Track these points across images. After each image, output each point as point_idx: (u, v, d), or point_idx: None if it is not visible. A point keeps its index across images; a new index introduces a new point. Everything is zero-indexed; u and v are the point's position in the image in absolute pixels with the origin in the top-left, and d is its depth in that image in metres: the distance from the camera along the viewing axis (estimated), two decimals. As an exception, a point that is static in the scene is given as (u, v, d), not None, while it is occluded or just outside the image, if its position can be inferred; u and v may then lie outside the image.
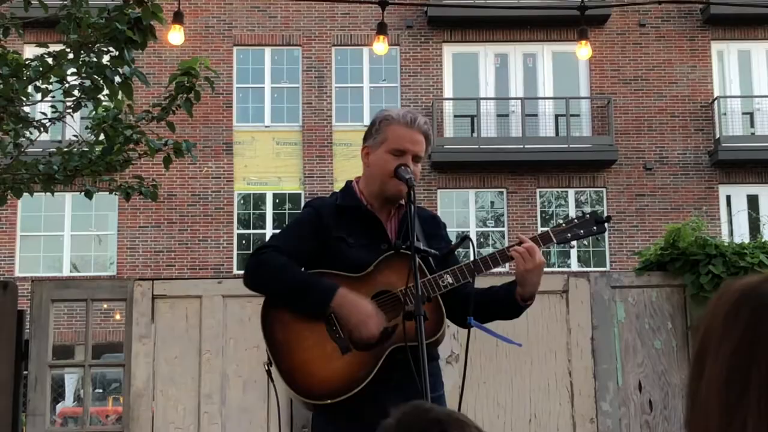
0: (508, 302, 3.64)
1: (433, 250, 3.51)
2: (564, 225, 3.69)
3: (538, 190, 23.12)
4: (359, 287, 3.49)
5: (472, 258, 3.58)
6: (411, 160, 3.62)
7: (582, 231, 3.67)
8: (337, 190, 3.85)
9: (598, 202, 23.08)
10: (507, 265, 3.69)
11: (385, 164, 3.61)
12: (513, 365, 6.96)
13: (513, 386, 6.92)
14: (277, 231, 3.83)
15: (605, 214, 3.88)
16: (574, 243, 3.68)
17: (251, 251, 3.73)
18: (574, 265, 23.02)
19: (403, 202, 3.68)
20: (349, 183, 3.82)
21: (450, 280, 3.50)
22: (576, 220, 3.70)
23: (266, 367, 3.52)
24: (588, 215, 3.73)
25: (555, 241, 3.64)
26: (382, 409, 3.47)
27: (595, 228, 3.68)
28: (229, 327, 7.04)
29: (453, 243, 3.70)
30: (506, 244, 22.38)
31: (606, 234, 21.99)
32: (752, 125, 23.61)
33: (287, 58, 23.69)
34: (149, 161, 9.41)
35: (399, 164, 3.56)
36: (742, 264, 7.31)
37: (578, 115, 23.59)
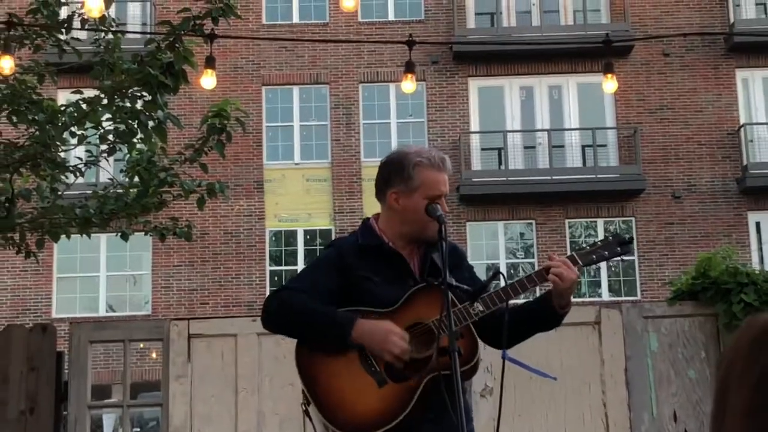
0: (546, 314, 3.61)
1: (465, 286, 3.47)
2: (588, 248, 3.64)
3: (566, 221, 22.96)
4: (391, 320, 3.46)
5: None
6: (443, 200, 3.65)
7: (606, 252, 3.63)
8: (356, 230, 3.79)
9: (627, 231, 22.79)
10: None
11: (422, 209, 3.57)
12: (547, 398, 6.91)
13: (548, 419, 6.88)
14: (299, 272, 3.77)
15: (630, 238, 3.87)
16: (601, 265, 3.62)
17: (273, 291, 3.68)
18: (605, 295, 22.76)
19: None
20: (366, 221, 3.78)
21: (481, 308, 3.47)
22: (599, 243, 3.66)
23: (303, 407, 3.49)
24: (611, 237, 3.69)
25: (580, 263, 3.58)
26: None
27: (618, 249, 3.64)
28: (264, 365, 7.05)
29: (483, 279, 3.61)
30: (536, 275, 21.95)
31: (636, 263, 22.26)
32: (780, 151, 24.30)
33: (315, 96, 23.62)
34: (183, 202, 9.42)
35: (428, 203, 3.54)
36: (774, 292, 7.35)
37: (605, 145, 23.44)
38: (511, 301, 3.52)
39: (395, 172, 3.63)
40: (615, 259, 3.65)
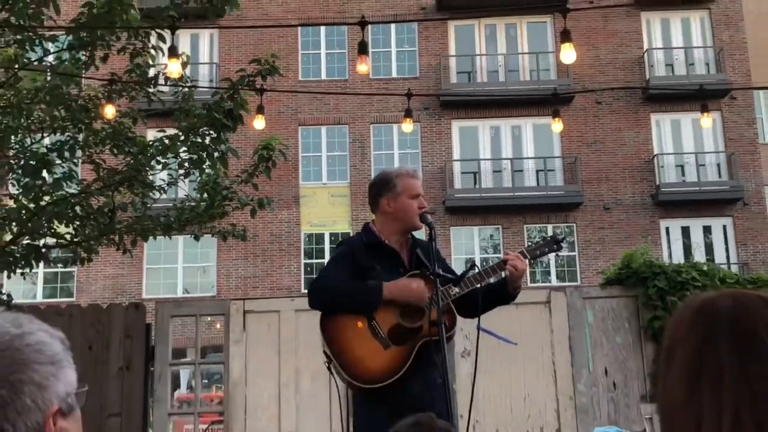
0: (504, 294, 3.60)
1: (449, 275, 3.49)
2: (534, 245, 3.65)
3: (525, 226, 22.66)
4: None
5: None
6: (422, 199, 3.66)
7: (546, 249, 3.64)
8: (360, 231, 3.75)
9: (569, 234, 22.44)
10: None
11: (410, 207, 3.59)
12: (510, 358, 6.91)
13: (511, 373, 6.89)
14: (325, 265, 3.68)
15: (566, 242, 3.91)
16: (550, 257, 3.54)
17: (312, 281, 3.63)
18: (554, 281, 22.30)
19: (414, 234, 3.69)
20: (367, 225, 3.73)
21: (456, 290, 3.46)
22: (541, 242, 3.66)
23: (326, 364, 3.47)
24: (549, 238, 3.69)
25: (528, 257, 3.58)
26: (410, 393, 3.30)
27: (555, 246, 3.65)
28: (300, 333, 7.03)
29: (459, 271, 3.60)
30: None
31: (577, 257, 22.14)
32: (683, 174, 22.90)
33: (338, 133, 23.32)
34: (239, 213, 9.36)
35: (424, 212, 3.57)
36: (679, 279, 7.22)
37: (553, 170, 23.13)
38: (479, 285, 3.52)
39: (384, 185, 3.65)
40: (552, 254, 3.53)
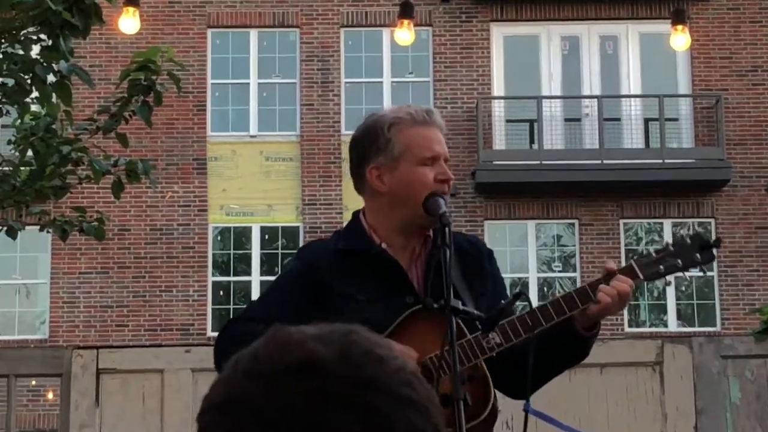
0: (564, 338, 3.54)
1: (477, 312, 3.44)
2: (655, 255, 3.59)
3: (621, 221, 22.83)
4: None
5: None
6: (446, 165, 3.65)
7: (680, 261, 3.55)
8: (340, 229, 3.87)
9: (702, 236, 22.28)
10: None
11: (422, 179, 3.60)
12: (588, 463, 7.22)
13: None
14: (258, 296, 3.81)
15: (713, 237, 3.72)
16: (670, 278, 3.58)
17: (225, 324, 3.67)
18: (672, 325, 22.41)
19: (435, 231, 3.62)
20: (356, 215, 3.80)
21: (498, 340, 3.46)
22: (671, 247, 3.58)
23: None
24: (689, 238, 3.59)
25: (641, 276, 3.55)
26: None
27: (698, 256, 3.55)
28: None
29: (505, 300, 3.55)
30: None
31: (715, 281, 22.59)
32: None
33: (280, 43, 23.43)
34: (93, 187, 9.27)
35: (431, 193, 3.55)
36: None
37: (676, 119, 23.21)
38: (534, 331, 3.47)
39: (369, 141, 3.67)
40: (693, 271, 3.53)
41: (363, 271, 3.61)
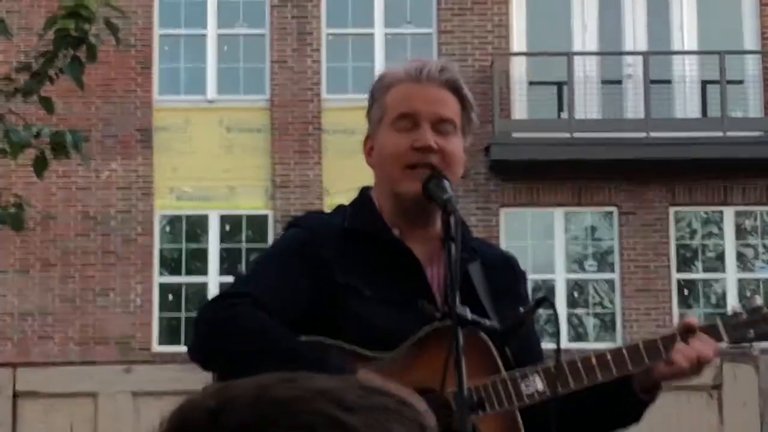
0: (621, 400, 3.56)
1: (489, 322, 3.48)
2: (745, 315, 3.60)
3: (671, 209, 22.28)
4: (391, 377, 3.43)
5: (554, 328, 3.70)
6: (431, 130, 3.58)
7: None
8: (344, 205, 3.84)
9: (770, 229, 20.74)
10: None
11: (391, 148, 3.64)
12: None
13: None
14: (246, 270, 3.99)
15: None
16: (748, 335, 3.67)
17: (208, 302, 3.72)
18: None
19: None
20: (365, 191, 3.80)
21: (540, 386, 3.48)
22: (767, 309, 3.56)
23: None
24: None
25: (726, 340, 3.60)
26: None
27: None
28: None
29: (524, 308, 3.63)
30: (619, 302, 22.28)
31: None
32: None
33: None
34: (11, 164, 10.27)
35: (430, 176, 3.56)
36: None
37: (741, 82, 22.50)
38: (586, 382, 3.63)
39: (368, 107, 3.88)
40: None
41: (372, 260, 3.59)
